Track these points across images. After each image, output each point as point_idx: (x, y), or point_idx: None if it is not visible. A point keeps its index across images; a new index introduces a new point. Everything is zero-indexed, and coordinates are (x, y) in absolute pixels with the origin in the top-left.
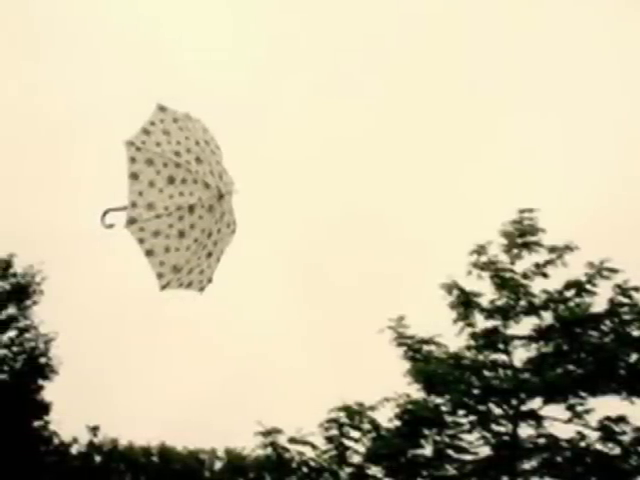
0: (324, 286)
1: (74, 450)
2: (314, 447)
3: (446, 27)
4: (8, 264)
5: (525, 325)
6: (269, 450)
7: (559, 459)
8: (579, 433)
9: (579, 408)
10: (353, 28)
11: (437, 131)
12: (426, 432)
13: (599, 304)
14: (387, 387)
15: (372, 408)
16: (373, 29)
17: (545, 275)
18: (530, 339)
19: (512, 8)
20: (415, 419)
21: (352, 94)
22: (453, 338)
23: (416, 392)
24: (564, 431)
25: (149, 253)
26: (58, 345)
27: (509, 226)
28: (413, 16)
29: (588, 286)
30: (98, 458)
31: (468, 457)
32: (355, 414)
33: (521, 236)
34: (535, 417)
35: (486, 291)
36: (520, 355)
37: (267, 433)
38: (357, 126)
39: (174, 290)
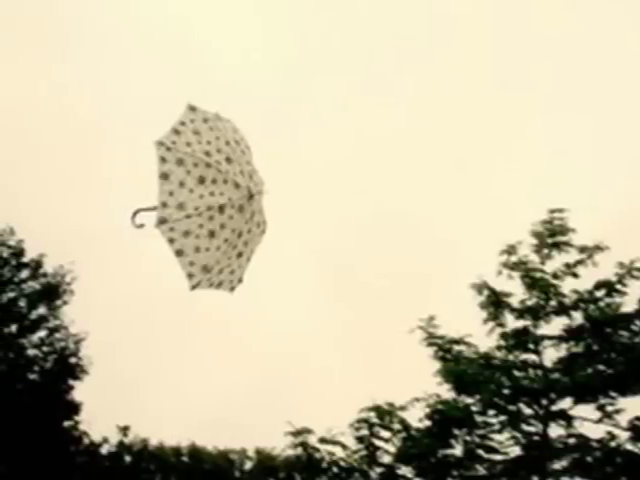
0: (354, 286)
1: (104, 450)
2: (344, 447)
3: (477, 27)
4: (38, 264)
5: (555, 325)
6: (299, 450)
7: (589, 459)
8: (609, 433)
9: (609, 408)
10: (384, 28)
11: (467, 131)
12: (456, 432)
13: (629, 304)
14: (417, 387)
15: (402, 408)
16: (404, 29)
17: (575, 275)
18: (560, 339)
19: (542, 8)
20: (445, 419)
21: (382, 94)
22: (483, 338)
23: (446, 392)
24: (594, 431)
25: (179, 253)
26: (88, 345)
27: (539, 226)
28: (444, 16)
29: (618, 286)
30: (128, 458)
31: (498, 457)
32: (385, 414)
33: (551, 236)
34: (565, 417)
35: (516, 291)
36: (550, 355)
37: (297, 433)
38: (387, 126)
39: (204, 290)
